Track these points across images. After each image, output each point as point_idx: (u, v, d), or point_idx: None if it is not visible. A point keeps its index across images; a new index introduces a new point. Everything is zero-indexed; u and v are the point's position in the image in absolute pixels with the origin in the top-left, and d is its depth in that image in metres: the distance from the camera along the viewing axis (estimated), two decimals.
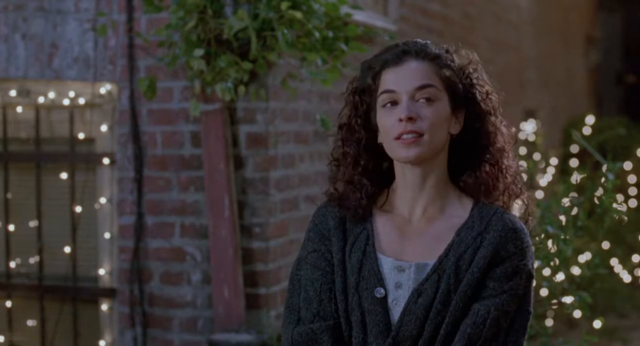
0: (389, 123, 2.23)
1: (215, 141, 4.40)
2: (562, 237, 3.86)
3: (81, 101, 4.77)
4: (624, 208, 4.04)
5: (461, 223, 2.26)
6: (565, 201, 3.95)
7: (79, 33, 4.68)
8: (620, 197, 4.04)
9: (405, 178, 2.27)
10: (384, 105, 2.25)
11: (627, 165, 8.23)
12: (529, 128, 9.44)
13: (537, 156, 8.83)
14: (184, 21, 4.20)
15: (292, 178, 4.75)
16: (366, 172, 2.30)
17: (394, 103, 2.23)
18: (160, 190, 4.60)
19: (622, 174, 8.35)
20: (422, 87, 2.22)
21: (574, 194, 4.02)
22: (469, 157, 2.29)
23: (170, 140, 4.59)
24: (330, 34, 4.22)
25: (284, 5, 4.04)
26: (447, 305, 2.19)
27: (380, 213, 2.31)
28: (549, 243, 3.85)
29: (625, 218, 4.12)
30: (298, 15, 4.06)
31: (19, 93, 4.86)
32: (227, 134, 4.42)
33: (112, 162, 4.70)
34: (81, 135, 4.78)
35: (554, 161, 8.51)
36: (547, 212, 3.94)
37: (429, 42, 2.30)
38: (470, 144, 2.29)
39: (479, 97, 2.29)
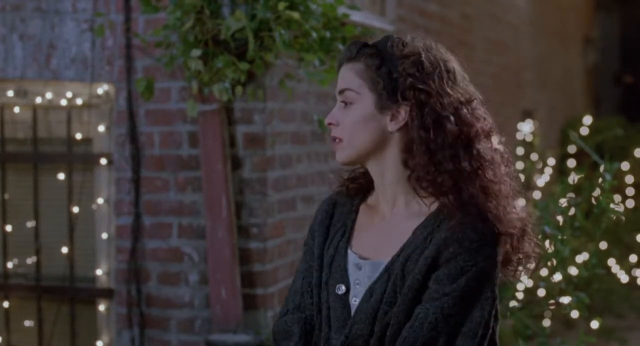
0: None
1: (212, 141, 4.40)
2: (560, 237, 3.85)
3: (79, 101, 4.76)
4: (621, 208, 4.04)
5: (420, 222, 2.18)
6: (563, 201, 3.94)
7: (76, 33, 4.68)
8: (617, 198, 4.04)
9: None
10: None
11: (625, 166, 8.20)
12: (526, 128, 9.45)
13: (534, 156, 8.85)
14: (181, 22, 4.19)
15: (289, 178, 4.74)
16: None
17: None
18: (157, 190, 4.59)
19: (620, 174, 8.35)
20: (341, 92, 2.24)
21: (571, 194, 4.01)
22: (435, 155, 2.16)
23: (168, 141, 4.59)
24: (328, 34, 4.22)
25: (281, 6, 4.04)
26: (392, 306, 2.14)
27: (364, 209, 2.31)
28: (547, 243, 3.85)
29: (623, 218, 4.12)
30: (295, 15, 4.06)
31: (17, 94, 4.85)
32: (224, 134, 4.41)
33: (110, 163, 4.70)
34: (79, 136, 4.78)
35: (551, 161, 8.51)
36: (545, 212, 3.94)
37: (368, 41, 2.24)
38: (432, 142, 2.16)
39: (419, 95, 2.16)
